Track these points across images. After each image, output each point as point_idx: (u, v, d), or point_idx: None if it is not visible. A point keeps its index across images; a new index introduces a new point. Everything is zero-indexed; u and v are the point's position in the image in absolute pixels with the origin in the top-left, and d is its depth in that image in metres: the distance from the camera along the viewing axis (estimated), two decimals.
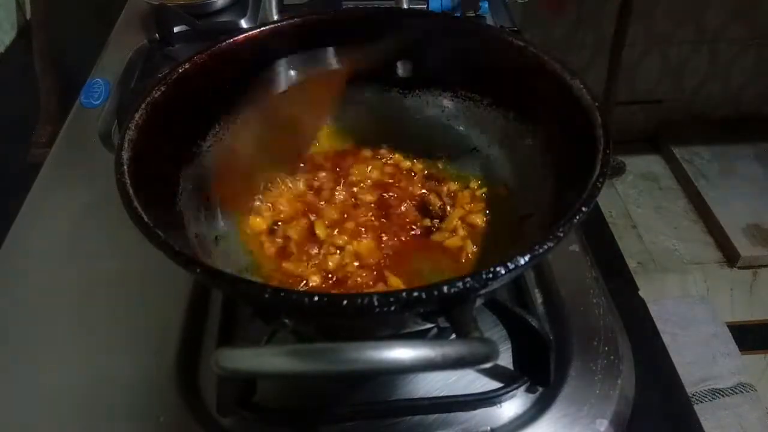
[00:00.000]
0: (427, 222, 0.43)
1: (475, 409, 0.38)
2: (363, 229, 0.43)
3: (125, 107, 0.62)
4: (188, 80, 0.40)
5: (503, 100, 0.46)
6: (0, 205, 0.56)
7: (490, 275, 0.27)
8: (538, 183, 0.41)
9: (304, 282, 0.40)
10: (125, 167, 0.32)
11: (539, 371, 0.38)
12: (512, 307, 0.37)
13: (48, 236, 0.51)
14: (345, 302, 0.25)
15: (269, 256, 0.41)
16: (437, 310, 0.29)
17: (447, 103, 0.49)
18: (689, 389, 0.42)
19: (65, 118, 0.63)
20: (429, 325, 0.36)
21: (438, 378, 0.40)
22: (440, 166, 0.48)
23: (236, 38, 0.42)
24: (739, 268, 1.37)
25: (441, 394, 0.39)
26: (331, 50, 0.47)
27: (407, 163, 0.48)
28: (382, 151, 0.49)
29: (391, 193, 0.45)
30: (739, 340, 1.17)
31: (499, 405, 0.39)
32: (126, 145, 0.34)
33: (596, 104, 0.36)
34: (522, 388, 0.39)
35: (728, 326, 1.20)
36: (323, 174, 0.47)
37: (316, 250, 0.41)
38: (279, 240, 0.42)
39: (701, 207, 1.50)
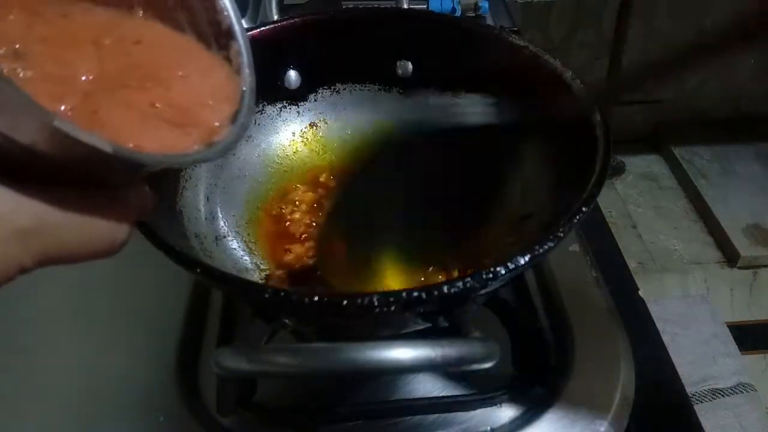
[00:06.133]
0: None
1: (475, 409, 0.38)
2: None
3: None
4: None
5: (503, 100, 0.46)
6: None
7: (490, 275, 0.27)
8: (538, 183, 0.41)
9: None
10: None
11: (539, 371, 0.38)
12: (512, 307, 0.37)
13: None
14: (345, 302, 0.25)
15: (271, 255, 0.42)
16: (437, 310, 0.29)
17: (447, 103, 0.48)
18: (689, 389, 0.42)
19: None
20: (429, 325, 0.36)
21: (438, 378, 0.40)
22: None
23: None
24: (739, 268, 1.37)
25: (441, 394, 0.39)
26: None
27: None
28: None
29: None
30: (739, 340, 1.17)
31: (499, 405, 0.38)
32: None
33: (596, 104, 0.36)
34: (522, 388, 0.39)
35: (728, 326, 1.19)
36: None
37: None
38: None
39: (701, 207, 1.50)
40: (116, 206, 0.20)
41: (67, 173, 0.18)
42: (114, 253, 0.20)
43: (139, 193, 0.21)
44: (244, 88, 0.23)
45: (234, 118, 0.22)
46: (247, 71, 0.24)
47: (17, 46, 0.19)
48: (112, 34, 0.22)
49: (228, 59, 0.24)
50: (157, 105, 0.21)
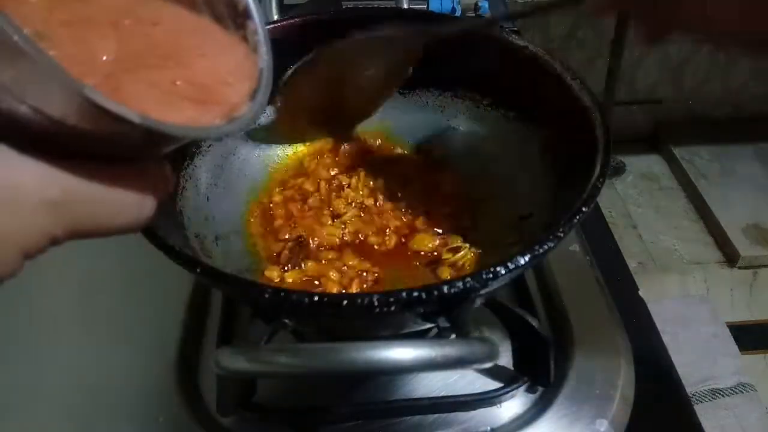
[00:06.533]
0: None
1: (475, 409, 0.38)
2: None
3: None
4: None
5: (503, 100, 0.46)
6: None
7: (490, 275, 0.27)
8: (538, 183, 0.41)
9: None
10: None
11: (539, 371, 0.38)
12: (512, 307, 0.38)
13: None
14: (345, 302, 0.25)
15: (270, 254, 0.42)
16: (437, 310, 0.29)
17: (447, 103, 0.49)
18: (689, 389, 0.42)
19: None
20: (429, 325, 0.36)
21: (438, 378, 0.40)
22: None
23: None
24: (739, 268, 1.37)
25: (441, 394, 0.39)
26: None
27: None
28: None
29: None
30: (739, 340, 1.17)
31: (499, 405, 0.39)
32: None
33: (596, 104, 0.36)
34: (522, 388, 0.39)
35: (728, 326, 1.20)
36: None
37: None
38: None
39: (701, 207, 1.50)
40: (142, 180, 0.20)
41: (94, 147, 0.18)
42: (140, 227, 0.21)
43: (162, 170, 0.22)
44: (262, 66, 0.24)
45: (253, 96, 0.23)
46: (264, 49, 0.24)
47: (39, 28, 0.19)
48: (131, 15, 0.22)
49: (245, 38, 0.24)
50: (178, 83, 0.21)
